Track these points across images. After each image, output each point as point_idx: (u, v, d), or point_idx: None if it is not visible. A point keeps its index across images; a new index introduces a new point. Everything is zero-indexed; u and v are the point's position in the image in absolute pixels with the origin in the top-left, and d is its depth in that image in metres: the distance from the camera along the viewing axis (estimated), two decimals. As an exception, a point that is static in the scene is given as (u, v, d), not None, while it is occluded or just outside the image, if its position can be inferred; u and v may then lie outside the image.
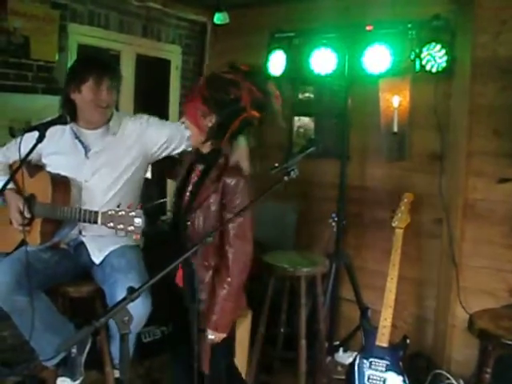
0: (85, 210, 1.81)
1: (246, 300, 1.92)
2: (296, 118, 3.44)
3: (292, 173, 1.47)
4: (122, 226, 1.67)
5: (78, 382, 2.02)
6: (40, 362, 2.03)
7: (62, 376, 1.99)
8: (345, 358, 3.07)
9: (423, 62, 2.59)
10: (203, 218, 1.70)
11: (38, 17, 2.74)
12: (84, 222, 1.81)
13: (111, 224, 1.69)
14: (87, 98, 1.93)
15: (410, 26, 2.62)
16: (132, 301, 1.22)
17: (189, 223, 1.73)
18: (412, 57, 2.62)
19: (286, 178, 1.47)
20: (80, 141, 2.00)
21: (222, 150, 1.73)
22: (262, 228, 3.31)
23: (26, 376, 2.60)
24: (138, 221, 1.65)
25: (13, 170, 2.03)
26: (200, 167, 1.80)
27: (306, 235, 3.34)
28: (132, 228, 1.66)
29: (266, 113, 1.72)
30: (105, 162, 1.99)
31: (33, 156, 1.87)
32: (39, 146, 1.74)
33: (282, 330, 2.83)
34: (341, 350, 3.12)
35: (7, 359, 2.70)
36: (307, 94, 3.43)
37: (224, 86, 1.66)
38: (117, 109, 2.19)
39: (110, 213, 1.70)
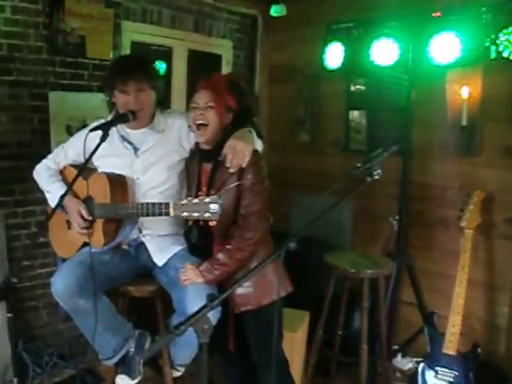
0: (153, 204, 1.77)
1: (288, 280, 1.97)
2: (355, 113, 3.32)
3: (375, 173, 1.37)
4: (197, 214, 1.65)
5: (136, 380, 2.01)
6: (99, 360, 2.03)
7: (121, 374, 1.99)
8: (403, 363, 2.97)
9: (500, 49, 2.40)
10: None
11: (93, 16, 2.77)
12: (154, 215, 1.77)
13: (185, 214, 1.67)
14: (120, 103, 1.91)
15: (484, 9, 2.43)
16: (212, 308, 1.18)
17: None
18: (486, 43, 2.43)
19: (368, 178, 1.39)
20: (128, 142, 1.98)
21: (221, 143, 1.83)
22: (317, 226, 3.24)
23: (81, 369, 2.65)
24: (214, 206, 1.63)
25: (65, 175, 2.05)
26: (208, 166, 1.88)
27: (363, 234, 3.23)
28: (208, 214, 1.63)
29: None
30: (155, 159, 1.97)
31: (86, 158, 1.84)
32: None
33: (339, 333, 2.75)
34: (399, 355, 3.00)
35: (63, 352, 2.76)
36: (364, 88, 3.29)
37: (242, 91, 1.98)
38: (168, 104, 2.14)
39: (182, 202, 1.67)
